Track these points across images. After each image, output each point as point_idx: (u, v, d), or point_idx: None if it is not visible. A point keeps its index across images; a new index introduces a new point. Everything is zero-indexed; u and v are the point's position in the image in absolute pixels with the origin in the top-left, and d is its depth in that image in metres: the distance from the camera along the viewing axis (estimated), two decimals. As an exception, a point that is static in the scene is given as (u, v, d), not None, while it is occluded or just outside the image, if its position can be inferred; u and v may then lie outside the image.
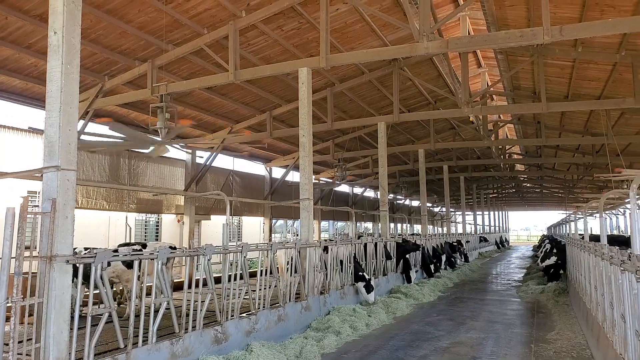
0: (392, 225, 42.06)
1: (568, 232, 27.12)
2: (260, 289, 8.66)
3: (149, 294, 7.31)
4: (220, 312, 7.56)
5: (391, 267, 15.14)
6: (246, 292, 8.24)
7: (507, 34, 8.86)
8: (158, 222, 21.08)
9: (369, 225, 42.71)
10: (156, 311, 6.37)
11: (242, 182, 23.66)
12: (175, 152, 19.70)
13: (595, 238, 15.75)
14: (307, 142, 10.87)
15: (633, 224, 4.78)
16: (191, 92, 15.63)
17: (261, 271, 8.85)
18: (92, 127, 15.13)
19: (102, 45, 12.03)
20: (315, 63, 10.87)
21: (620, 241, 16.34)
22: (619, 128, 18.77)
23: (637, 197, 4.88)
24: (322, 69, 15.04)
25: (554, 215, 61.99)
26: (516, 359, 7.39)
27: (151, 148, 11.56)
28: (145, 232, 20.80)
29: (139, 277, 8.17)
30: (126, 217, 17.40)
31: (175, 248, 13.92)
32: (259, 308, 8.61)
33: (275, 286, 9.09)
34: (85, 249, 11.76)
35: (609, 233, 23.99)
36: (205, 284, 7.36)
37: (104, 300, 5.66)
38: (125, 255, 6.41)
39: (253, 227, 27.34)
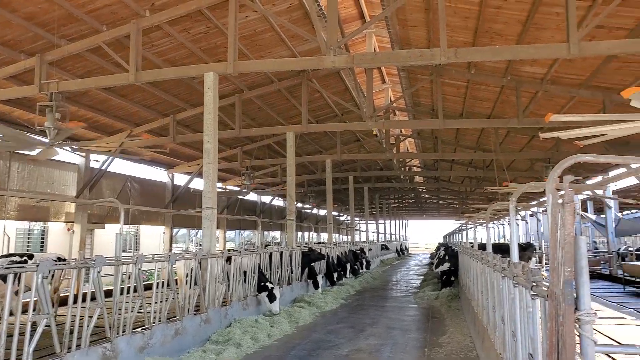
0: (299, 234, 42.38)
1: (460, 240, 29.04)
2: (156, 302, 8.26)
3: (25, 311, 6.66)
4: (110, 328, 7.09)
5: (296, 276, 15.19)
6: (140, 306, 7.82)
7: (408, 53, 9.34)
8: (44, 231, 19.46)
9: (277, 234, 42.70)
10: (35, 330, 5.82)
11: (141, 188, 22.57)
12: (67, 155, 18.33)
13: (484, 246, 16.95)
14: (212, 149, 10.63)
15: (512, 233, 5.20)
16: (87, 92, 14.67)
17: (158, 283, 8.45)
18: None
19: (-19, 35, 10.93)
20: (222, 68, 10.70)
21: (504, 249, 17.80)
22: (506, 145, 20.50)
23: (519, 209, 5.34)
24: (230, 75, 15.05)
25: (449, 225, 65.89)
26: (410, 363, 7.71)
27: (37, 150, 10.68)
28: (29, 242, 19.09)
29: (17, 292, 7.48)
30: (4, 226, 15.83)
31: (64, 259, 12.96)
32: (154, 322, 8.20)
33: (173, 299, 8.72)
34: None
35: (496, 242, 25.99)
36: (94, 298, 6.87)
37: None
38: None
39: (153, 237, 26.19)
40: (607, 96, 12.64)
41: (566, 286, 2.63)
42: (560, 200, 2.91)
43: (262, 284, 11.93)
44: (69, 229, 19.25)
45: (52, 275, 11.29)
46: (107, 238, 22.36)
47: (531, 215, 34.78)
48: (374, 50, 15.35)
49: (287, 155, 16.71)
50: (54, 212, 18.08)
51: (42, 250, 19.19)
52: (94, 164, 19.08)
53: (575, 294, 2.58)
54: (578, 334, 2.53)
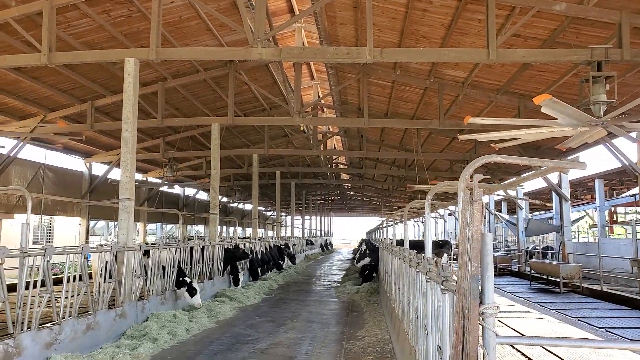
0: (224, 228, 41.68)
1: (381, 237, 29.92)
2: (67, 297, 7.79)
3: None
4: (13, 324, 6.60)
5: (217, 271, 14.93)
6: (49, 300, 7.34)
7: (335, 50, 9.43)
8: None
9: (201, 228, 41.75)
10: None
11: (55, 177, 21.21)
12: (-31, 138, 16.85)
13: (402, 243, 17.55)
14: (131, 138, 10.17)
15: (427, 230, 5.41)
16: (-7, 71, 13.52)
17: (69, 277, 7.97)
18: None
19: None
20: (144, 54, 10.24)
21: (422, 246, 18.57)
22: (427, 146, 21.33)
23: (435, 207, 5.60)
24: (152, 62, 14.46)
25: (372, 221, 67.76)
26: (329, 357, 7.81)
27: None
28: None
29: None
30: None
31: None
32: (63, 317, 7.73)
33: (86, 293, 8.27)
34: None
35: (415, 239, 27.07)
36: (-4, 292, 6.36)
37: None
38: None
39: (68, 228, 24.71)
40: (522, 102, 13.53)
41: (472, 281, 2.77)
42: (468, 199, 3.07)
43: (181, 278, 11.62)
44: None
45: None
46: (16, 229, 20.76)
47: (449, 214, 36.55)
48: (303, 45, 15.39)
49: (212, 148, 16.34)
50: (-48, 200, 16.57)
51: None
52: (1, 150, 17.62)
53: (480, 288, 2.72)
54: (481, 326, 2.67)
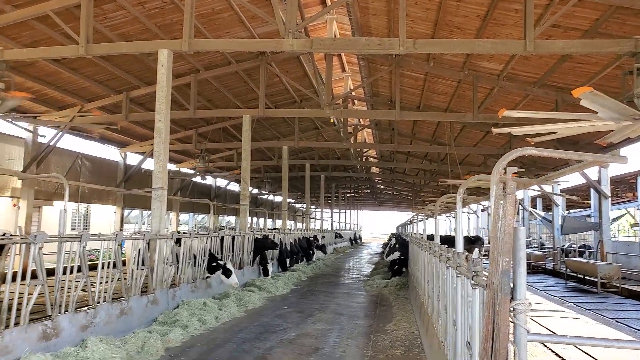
0: (254, 219, 42.14)
1: (412, 231, 29.66)
2: (102, 282, 8.02)
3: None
4: (52, 306, 6.84)
5: (247, 261, 15.10)
6: (84, 285, 7.57)
7: (367, 41, 9.34)
8: (-13, 206, 18.58)
9: (232, 218, 42.28)
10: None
11: (92, 166, 21.79)
12: (12, 128, 17.42)
13: (433, 238, 17.33)
14: (164, 128, 10.34)
15: (458, 224, 5.31)
16: (34, 63, 13.94)
17: (103, 263, 8.19)
18: None
19: None
20: (177, 46, 10.37)
21: (453, 241, 18.29)
22: (460, 140, 20.97)
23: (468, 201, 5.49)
24: (185, 54, 14.64)
25: (402, 216, 67.28)
26: (356, 349, 7.80)
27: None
28: (-29, 217, 18.20)
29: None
30: (-56, 199, 14.99)
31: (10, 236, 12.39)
32: (99, 301, 7.97)
33: (120, 279, 8.49)
34: None
35: (446, 234, 26.73)
36: (35, 276, 6.59)
37: None
38: None
39: (104, 216, 25.41)
40: (560, 95, 13.11)
41: (504, 276, 2.69)
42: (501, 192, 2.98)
43: (214, 263, 11.81)
44: (14, 205, 18.41)
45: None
46: (55, 216, 21.46)
47: (482, 210, 35.92)
48: (335, 36, 15.29)
49: (242, 140, 16.47)
50: (-1, 186, 17.26)
51: (-17, 224, 18.30)
52: (42, 139, 18.22)
53: (512, 284, 2.65)
54: (512, 323, 2.60)
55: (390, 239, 40.99)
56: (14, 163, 17.50)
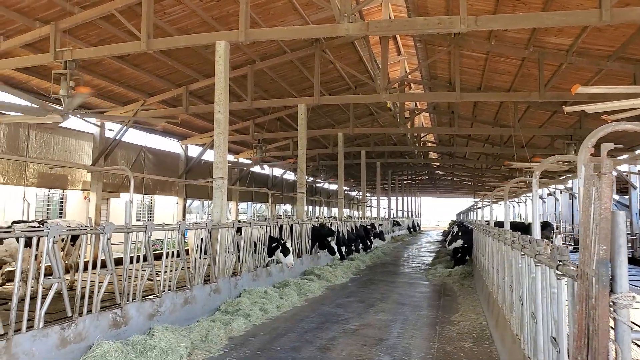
0: (310, 207, 42.35)
1: (475, 218, 28.72)
2: (166, 271, 8.20)
3: (48, 274, 6.61)
4: (120, 295, 7.05)
5: (305, 249, 15.11)
6: (150, 274, 7.78)
7: (425, 21, 8.94)
8: (62, 199, 19.62)
9: (288, 207, 42.73)
10: (45, 296, 5.78)
11: (155, 159, 22.55)
12: (82, 124, 18.35)
13: (500, 224, 16.64)
14: (223, 119, 10.42)
15: (534, 210, 4.94)
16: (101, 61, 14.50)
17: (167, 253, 8.38)
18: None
19: (-7, 1, 10.72)
20: (233, 37, 10.39)
21: (521, 228, 17.46)
22: (525, 121, 19.96)
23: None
24: (242, 45, 14.68)
25: (463, 202, 65.54)
26: (421, 340, 7.56)
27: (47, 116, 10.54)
28: (48, 209, 19.28)
29: (36, 256, 7.47)
30: (24, 192, 15.94)
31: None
32: (164, 290, 8.16)
33: (183, 268, 8.66)
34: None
35: (512, 220, 25.68)
36: (104, 265, 6.81)
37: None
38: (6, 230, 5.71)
39: (167, 207, 26.29)
40: (639, 69, 12.10)
41: (600, 266, 2.40)
42: (592, 172, 2.66)
43: (273, 244, 11.85)
44: (85, 197, 19.37)
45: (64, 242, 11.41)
46: (122, 207, 22.38)
47: (548, 195, 34.24)
48: (390, 19, 14.84)
49: (298, 128, 16.44)
50: (71, 180, 18.20)
51: (61, 217, 19.37)
52: (109, 134, 19.05)
53: (610, 275, 2.35)
54: (612, 319, 2.31)
55: (451, 226, 39.97)
56: (84, 157, 18.38)
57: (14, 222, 12.23)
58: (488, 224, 11.74)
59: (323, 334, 7.86)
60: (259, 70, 16.69)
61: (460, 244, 16.28)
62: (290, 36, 10.41)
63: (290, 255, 11.90)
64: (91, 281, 6.51)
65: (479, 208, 26.56)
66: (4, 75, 14.15)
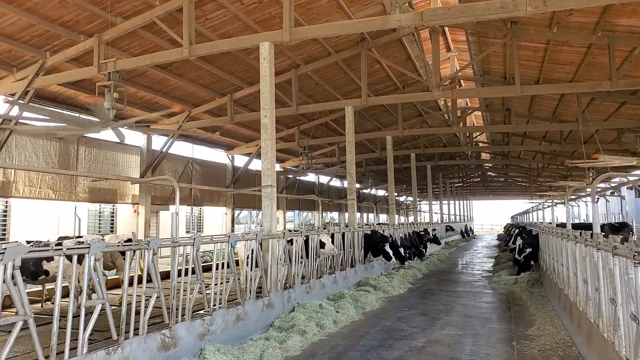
0: (357, 214, 41.55)
1: (537, 220, 27.15)
2: (216, 284, 7.74)
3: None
4: (168, 313, 6.61)
5: (359, 258, 14.42)
6: (199, 289, 7.32)
7: (486, 5, 8.12)
8: (113, 213, 19.82)
9: (335, 215, 42.10)
10: (90, 313, 5.38)
11: (202, 170, 22.49)
12: (130, 137, 18.46)
13: (562, 226, 15.40)
14: (270, 124, 9.92)
15: (624, 207, 4.08)
16: (145, 72, 14.43)
17: (217, 265, 7.91)
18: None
19: (39, 16, 10.72)
20: (277, 37, 9.91)
21: (589, 229, 16.11)
22: (589, 115, 18.53)
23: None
24: (286, 49, 14.29)
25: (516, 204, 63.04)
26: (499, 359, 6.73)
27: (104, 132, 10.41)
28: (100, 224, 19.50)
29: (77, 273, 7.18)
30: (75, 207, 16.08)
31: (130, 240, 12.88)
32: (214, 307, 7.68)
33: (233, 281, 8.17)
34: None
35: (578, 222, 24.10)
36: (150, 281, 6.40)
37: (17, 304, 4.64)
38: (45, 249, 5.35)
39: (215, 218, 26.23)
40: None
41: None
42: None
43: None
44: (135, 211, 19.46)
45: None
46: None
47: (612, 194, 32.03)
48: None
49: (346, 131, 15.80)
50: (120, 194, 18.31)
51: (112, 231, 19.57)
52: (156, 147, 19.08)
53: None
54: None
55: (507, 229, 38.16)
56: (131, 171, 18.44)
57: (61, 238, 12.23)
58: (553, 225, 10.68)
59: (388, 352, 7.14)
60: (303, 75, 16.22)
61: (529, 251, 15.06)
62: (338, 32, 9.78)
63: (328, 244, 11.88)
64: (137, 298, 6.09)
65: (540, 209, 25.08)
66: (53, 92, 14.29)
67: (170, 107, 17.08)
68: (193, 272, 7.46)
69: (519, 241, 14.05)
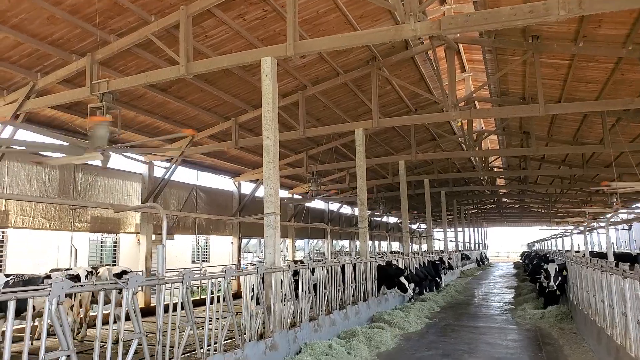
0: (370, 242, 40.35)
1: (556, 248, 25.86)
2: (210, 324, 6.79)
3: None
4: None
5: (372, 291, 13.36)
6: (191, 330, 6.38)
7: (513, 10, 7.30)
8: (116, 243, 19.00)
9: (346, 243, 40.93)
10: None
11: (207, 197, 21.66)
12: (130, 164, 17.72)
13: (600, 255, 14.24)
14: (273, 146, 9.08)
15: None
16: (144, 95, 13.75)
17: (212, 300, 6.96)
18: (24, 134, 13.18)
19: (27, 34, 10.08)
20: (280, 51, 9.16)
21: (628, 259, 14.95)
22: (612, 137, 17.52)
23: None
24: (292, 69, 13.59)
25: (532, 231, 61.34)
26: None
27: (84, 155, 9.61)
28: (101, 254, 18.67)
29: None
30: (71, 237, 15.26)
31: (126, 272, 11.99)
32: (208, 352, 6.71)
33: (231, 323, 7.20)
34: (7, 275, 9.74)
35: (591, 250, 22.80)
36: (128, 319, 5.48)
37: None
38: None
39: (223, 246, 25.29)
40: None
41: None
42: None
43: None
44: (139, 241, 18.64)
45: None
46: (177, 249, 21.55)
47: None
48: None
49: (356, 155, 14.90)
50: (123, 223, 17.51)
51: (114, 262, 18.75)
52: (158, 173, 18.32)
53: None
54: None
55: (524, 257, 36.67)
56: (132, 199, 17.66)
57: (53, 270, 11.38)
58: (584, 255, 9.60)
59: (408, 409, 6.08)
60: (310, 97, 15.49)
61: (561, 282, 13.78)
62: (345, 44, 8.97)
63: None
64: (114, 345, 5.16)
65: (555, 237, 23.83)
66: (47, 116, 13.62)
67: (172, 132, 16.41)
68: (182, 308, 6.51)
69: (553, 270, 12.87)
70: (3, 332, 6.57)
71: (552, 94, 15.30)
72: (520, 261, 41.70)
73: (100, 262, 18.31)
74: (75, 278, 10.25)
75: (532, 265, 19.72)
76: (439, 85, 14.84)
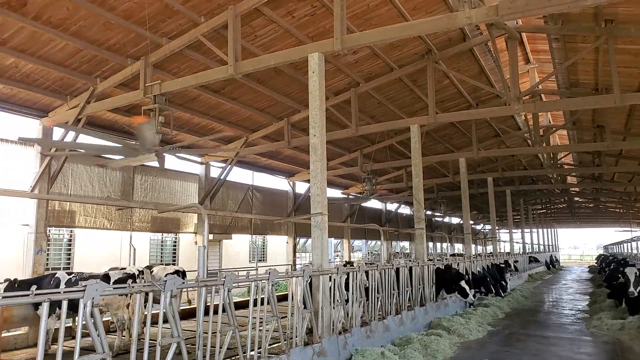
0: (430, 244, 39.18)
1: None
2: (254, 329, 6.57)
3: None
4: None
5: (429, 296, 12.74)
6: (233, 334, 6.18)
7: (580, -10, 6.57)
8: (175, 242, 19.45)
9: (406, 244, 39.99)
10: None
11: (262, 197, 21.75)
12: (188, 165, 18.12)
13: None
14: (320, 144, 8.75)
15: None
16: (197, 97, 13.90)
17: (255, 302, 6.73)
18: (85, 138, 13.62)
19: (86, 40, 10.39)
20: (328, 46, 8.83)
21: None
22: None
23: None
24: (343, 66, 13.25)
25: (608, 233, 57.49)
26: None
27: (138, 156, 9.74)
28: (162, 253, 19.16)
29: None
30: (130, 237, 15.72)
31: (183, 272, 12.10)
32: (252, 357, 6.49)
33: (276, 328, 6.94)
34: (68, 273, 10.05)
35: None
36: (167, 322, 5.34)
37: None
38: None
39: (280, 246, 25.36)
40: None
41: None
42: None
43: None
44: (196, 241, 19.01)
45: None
46: (235, 248, 21.80)
47: None
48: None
49: (412, 153, 14.27)
50: (182, 223, 17.92)
51: (174, 261, 19.20)
52: (214, 174, 18.59)
53: None
54: None
55: (601, 262, 34.23)
56: (190, 199, 17.99)
57: (112, 269, 11.64)
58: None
59: None
60: (363, 94, 15.07)
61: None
62: (396, 35, 8.50)
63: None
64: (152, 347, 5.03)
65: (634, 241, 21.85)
66: (108, 119, 14.08)
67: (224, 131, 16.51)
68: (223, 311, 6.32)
69: (633, 275, 11.71)
70: (57, 330, 6.62)
71: (630, 83, 14.00)
72: (596, 265, 39.06)
73: (161, 261, 18.75)
74: (131, 277, 10.40)
75: (609, 270, 18.20)
76: (500, 78, 13.96)
